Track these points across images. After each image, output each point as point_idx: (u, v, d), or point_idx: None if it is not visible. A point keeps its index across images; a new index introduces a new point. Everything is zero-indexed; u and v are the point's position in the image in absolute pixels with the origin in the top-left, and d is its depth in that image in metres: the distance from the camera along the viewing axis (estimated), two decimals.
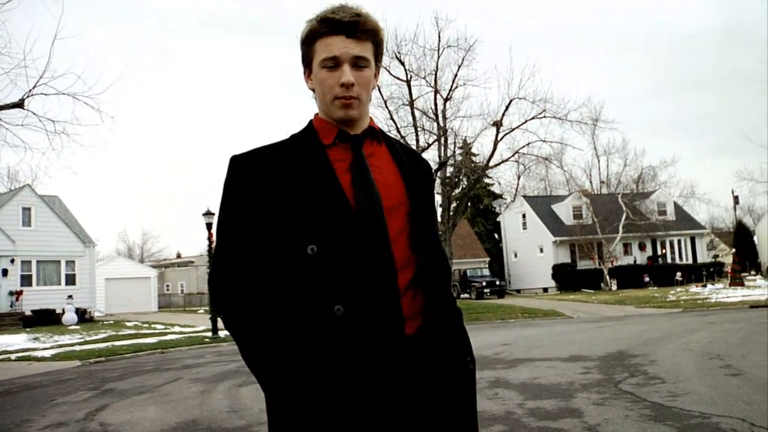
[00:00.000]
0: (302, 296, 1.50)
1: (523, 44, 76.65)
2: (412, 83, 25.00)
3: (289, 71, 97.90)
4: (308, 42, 1.63)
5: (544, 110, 27.35)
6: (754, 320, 15.00)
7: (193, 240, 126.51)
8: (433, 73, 25.05)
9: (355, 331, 1.49)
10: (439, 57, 24.89)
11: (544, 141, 28.38)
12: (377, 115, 24.86)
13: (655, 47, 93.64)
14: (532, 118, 27.60)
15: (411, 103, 24.80)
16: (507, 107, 27.24)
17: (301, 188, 1.55)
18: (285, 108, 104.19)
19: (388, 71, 24.75)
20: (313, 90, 1.68)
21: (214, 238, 1.65)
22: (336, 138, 1.63)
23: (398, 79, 24.87)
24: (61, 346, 19.36)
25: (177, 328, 25.07)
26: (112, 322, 30.90)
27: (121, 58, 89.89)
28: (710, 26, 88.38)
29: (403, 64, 24.65)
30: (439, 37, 25.06)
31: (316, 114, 1.70)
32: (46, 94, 15.14)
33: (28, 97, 14.79)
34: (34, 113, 15.22)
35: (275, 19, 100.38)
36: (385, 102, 24.86)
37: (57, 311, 30.12)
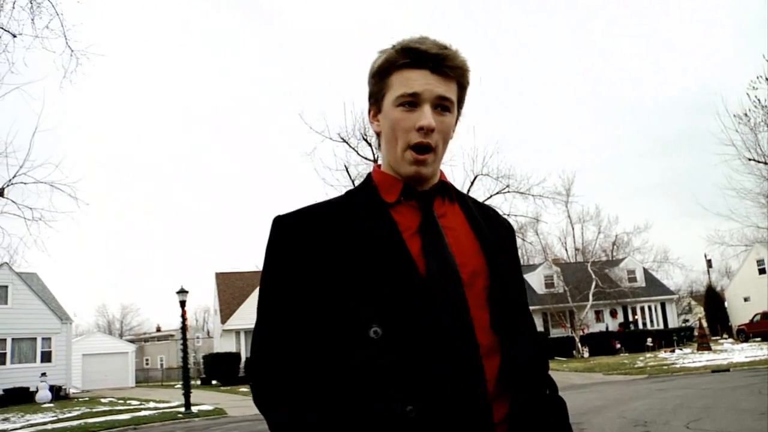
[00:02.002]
0: (364, 393, 1.23)
1: (489, 121, 78.97)
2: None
3: (274, 142, 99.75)
4: (382, 74, 1.39)
5: (507, 185, 28.70)
6: (702, 386, 15.70)
7: (173, 313, 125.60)
8: None
9: None
10: None
11: (507, 215, 29.47)
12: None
13: (627, 113, 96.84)
14: (496, 193, 28.91)
15: None
16: (472, 183, 28.46)
17: (360, 257, 1.30)
18: (270, 180, 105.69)
19: (356, 151, 25.98)
20: (378, 134, 1.45)
21: (255, 314, 1.41)
22: (401, 195, 1.39)
23: (366, 159, 26.08)
24: (32, 425, 19.46)
25: (152, 404, 25.13)
26: (87, 399, 30.83)
27: (98, 145, 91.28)
28: (683, 92, 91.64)
29: (370, 145, 25.88)
30: None
31: (377, 165, 1.48)
32: (25, 183, 15.91)
33: (7, 186, 15.56)
34: (13, 201, 15.94)
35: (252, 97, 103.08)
36: (353, 181, 25.95)
37: (31, 389, 30.02)
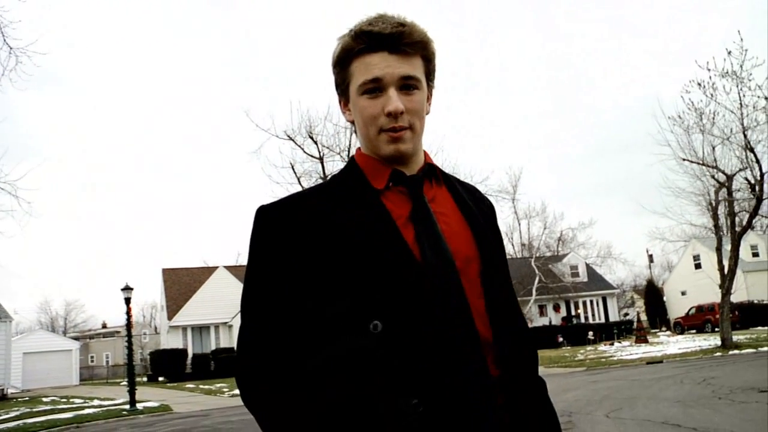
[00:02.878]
0: (366, 388, 1.18)
1: (434, 117, 79.92)
2: (326, 159, 26.44)
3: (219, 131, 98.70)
4: (341, 63, 1.35)
5: None
6: (633, 377, 16.45)
7: (120, 309, 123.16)
8: (347, 149, 26.53)
9: None
10: (351, 134, 26.40)
11: None
12: (292, 192, 26.00)
13: (577, 113, 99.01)
14: None
15: (324, 179, 26.16)
16: None
17: (354, 247, 1.25)
18: (218, 177, 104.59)
19: (302, 149, 26.15)
20: (352, 122, 1.41)
21: (240, 311, 1.35)
22: (389, 180, 1.34)
23: (312, 156, 26.28)
24: None
25: (96, 402, 24.84)
26: (27, 398, 30.26)
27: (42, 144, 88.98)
28: (633, 99, 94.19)
29: (316, 142, 26.11)
30: None
31: (359, 149, 1.43)
32: None
33: None
34: None
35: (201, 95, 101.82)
36: (299, 179, 26.15)
37: None
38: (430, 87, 1.40)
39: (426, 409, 1.16)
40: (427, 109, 1.39)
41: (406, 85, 1.31)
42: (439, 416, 1.18)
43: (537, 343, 1.66)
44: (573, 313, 45.70)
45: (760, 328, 35.32)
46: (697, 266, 46.67)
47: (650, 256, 61.74)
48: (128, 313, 21.75)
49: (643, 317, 50.61)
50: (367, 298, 1.22)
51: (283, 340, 1.25)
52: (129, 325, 22.03)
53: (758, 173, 22.72)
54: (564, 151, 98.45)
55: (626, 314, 54.73)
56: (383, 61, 1.29)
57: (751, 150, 22.46)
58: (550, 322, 44.68)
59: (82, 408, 22.52)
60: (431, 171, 1.41)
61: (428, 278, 1.24)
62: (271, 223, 1.32)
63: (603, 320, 45.17)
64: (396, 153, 1.33)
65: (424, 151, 1.43)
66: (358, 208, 1.31)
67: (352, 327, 1.22)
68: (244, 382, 1.28)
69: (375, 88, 1.30)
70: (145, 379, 40.68)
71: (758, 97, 21.44)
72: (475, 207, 1.43)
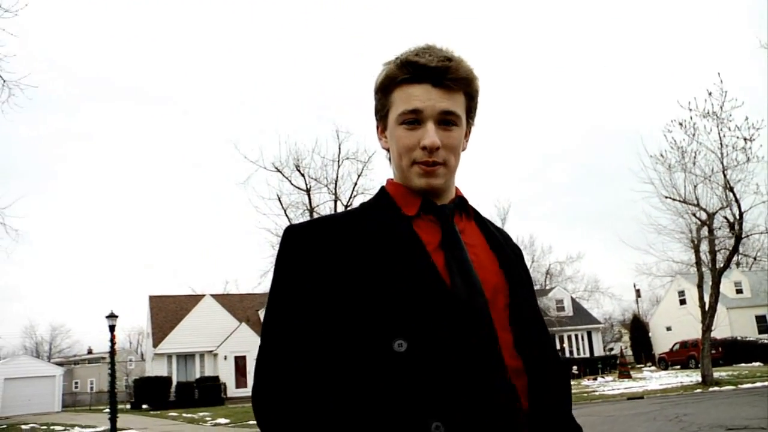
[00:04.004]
0: (386, 410, 1.16)
1: None
2: (313, 191, 26.76)
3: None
4: (384, 90, 1.35)
5: None
6: (608, 413, 16.56)
7: (106, 335, 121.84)
8: (334, 182, 26.92)
9: None
10: (339, 167, 26.88)
11: None
12: (280, 224, 26.45)
13: (566, 144, 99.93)
14: None
15: (311, 211, 26.47)
16: None
17: (383, 270, 1.24)
18: (206, 206, 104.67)
19: (290, 181, 26.45)
20: (387, 149, 1.40)
21: (262, 333, 1.31)
22: (420, 209, 1.34)
23: (298, 188, 26.58)
24: None
25: (77, 429, 24.69)
26: (5, 426, 29.92)
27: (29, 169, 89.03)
28: (625, 127, 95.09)
29: (303, 175, 26.44)
30: (339, 148, 27.06)
31: (390, 180, 1.43)
32: None
33: None
34: None
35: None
36: (285, 210, 26.43)
37: None
38: (469, 124, 1.40)
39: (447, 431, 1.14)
40: (464, 146, 1.40)
41: (446, 120, 1.30)
42: None
43: None
44: (558, 347, 45.74)
45: (743, 364, 35.49)
46: (682, 302, 46.95)
47: (637, 291, 61.93)
48: (112, 340, 21.81)
49: (629, 352, 50.76)
50: (393, 317, 1.20)
51: (305, 366, 1.21)
52: (113, 352, 22.07)
53: (737, 212, 23.15)
54: (553, 183, 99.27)
55: (611, 349, 54.85)
56: (425, 93, 1.29)
57: (731, 189, 22.91)
58: None
59: None
60: (462, 204, 1.41)
61: (456, 304, 1.23)
62: (300, 244, 1.30)
63: (588, 354, 45.24)
64: (427, 187, 1.33)
65: (456, 187, 1.42)
66: (389, 233, 1.30)
67: (375, 346, 1.20)
68: (265, 408, 1.22)
69: (414, 119, 1.30)
70: (128, 406, 40.36)
71: (737, 137, 22.00)
72: (505, 245, 1.43)
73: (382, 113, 1.39)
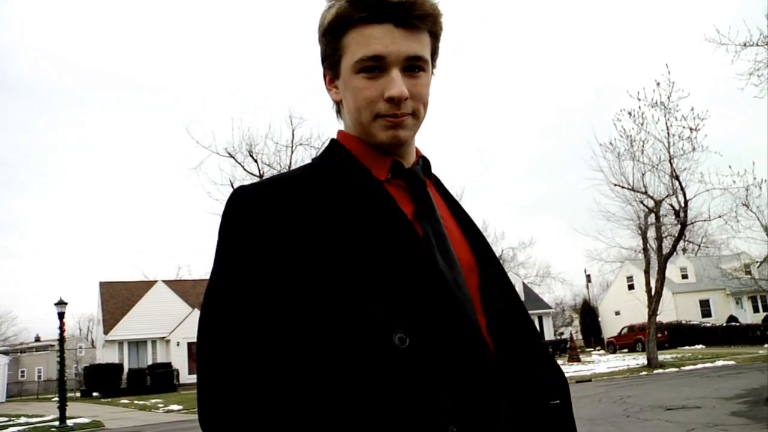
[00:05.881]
0: (394, 419, 0.96)
1: None
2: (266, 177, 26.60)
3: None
4: (333, 32, 1.13)
5: None
6: None
7: (55, 322, 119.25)
8: (287, 168, 26.73)
9: None
10: (292, 153, 26.78)
11: None
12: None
13: (516, 130, 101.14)
14: None
15: None
16: None
17: (365, 245, 1.04)
18: (157, 192, 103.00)
19: (243, 167, 26.24)
20: (338, 102, 1.21)
21: (202, 315, 1.06)
22: (389, 172, 1.16)
23: (252, 174, 26.40)
24: None
25: (23, 419, 24.17)
26: None
27: None
28: (581, 104, 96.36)
29: (256, 161, 26.29)
30: (293, 134, 26.91)
31: (342, 131, 1.23)
32: None
33: None
34: None
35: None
36: None
37: None
38: (433, 68, 1.20)
39: None
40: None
41: (412, 66, 1.11)
42: None
43: None
44: None
45: (687, 347, 36.74)
46: (630, 287, 48.15)
47: (588, 276, 63.27)
48: (61, 328, 21.42)
49: (579, 336, 51.89)
50: (387, 305, 1.00)
51: (263, 351, 0.99)
52: (62, 340, 21.67)
53: (683, 200, 23.87)
54: (506, 168, 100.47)
55: (561, 333, 56.02)
56: (387, 35, 1.09)
57: (677, 178, 23.61)
58: None
59: (6, 426, 21.85)
60: (426, 167, 1.24)
61: (449, 289, 1.06)
62: (254, 208, 1.06)
63: None
64: (393, 140, 1.13)
65: (416, 146, 1.24)
66: (365, 201, 1.10)
67: (367, 340, 0.98)
68: (213, 408, 1.00)
69: (375, 66, 1.10)
70: (78, 394, 39.67)
71: (683, 127, 22.65)
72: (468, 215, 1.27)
73: (332, 60, 1.16)
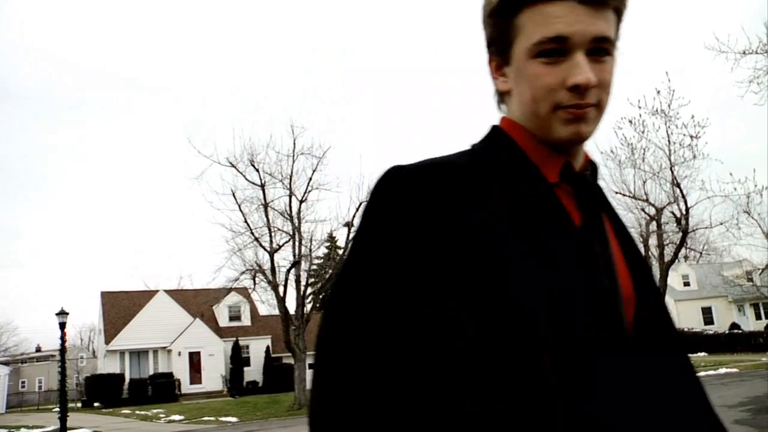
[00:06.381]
0: None
1: (375, 150, 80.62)
2: (267, 186, 26.69)
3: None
4: (503, 12, 0.99)
5: None
6: None
7: (56, 332, 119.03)
8: (288, 177, 26.87)
9: None
10: (293, 162, 26.86)
11: None
12: (234, 220, 26.21)
13: None
14: None
15: (265, 206, 26.42)
16: (357, 209, 29.27)
17: (535, 259, 0.91)
18: (159, 201, 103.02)
19: (244, 176, 26.37)
20: (504, 93, 1.06)
21: (330, 313, 0.90)
22: (560, 175, 1.01)
23: (253, 184, 26.50)
24: None
25: (24, 430, 24.20)
26: None
27: None
28: None
29: (257, 170, 26.37)
30: (294, 144, 27.01)
31: (507, 119, 1.07)
32: None
33: None
34: None
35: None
36: (239, 205, 26.33)
37: None
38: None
39: None
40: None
41: (598, 48, 0.96)
42: None
43: None
44: None
45: (689, 355, 36.60)
46: None
47: None
48: (62, 338, 21.38)
49: None
50: (546, 325, 0.87)
51: (408, 371, 0.83)
52: (63, 350, 21.64)
53: (684, 207, 23.91)
54: None
55: None
56: (570, 13, 0.94)
57: (678, 185, 23.65)
58: None
59: None
60: (594, 173, 1.08)
61: (622, 326, 0.93)
62: (417, 192, 0.92)
63: None
64: (574, 136, 0.98)
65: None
66: (534, 204, 0.96)
67: (514, 363, 0.85)
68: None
69: (556, 49, 0.95)
70: (79, 405, 39.54)
71: (684, 135, 22.71)
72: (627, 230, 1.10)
73: (501, 44, 1.01)
